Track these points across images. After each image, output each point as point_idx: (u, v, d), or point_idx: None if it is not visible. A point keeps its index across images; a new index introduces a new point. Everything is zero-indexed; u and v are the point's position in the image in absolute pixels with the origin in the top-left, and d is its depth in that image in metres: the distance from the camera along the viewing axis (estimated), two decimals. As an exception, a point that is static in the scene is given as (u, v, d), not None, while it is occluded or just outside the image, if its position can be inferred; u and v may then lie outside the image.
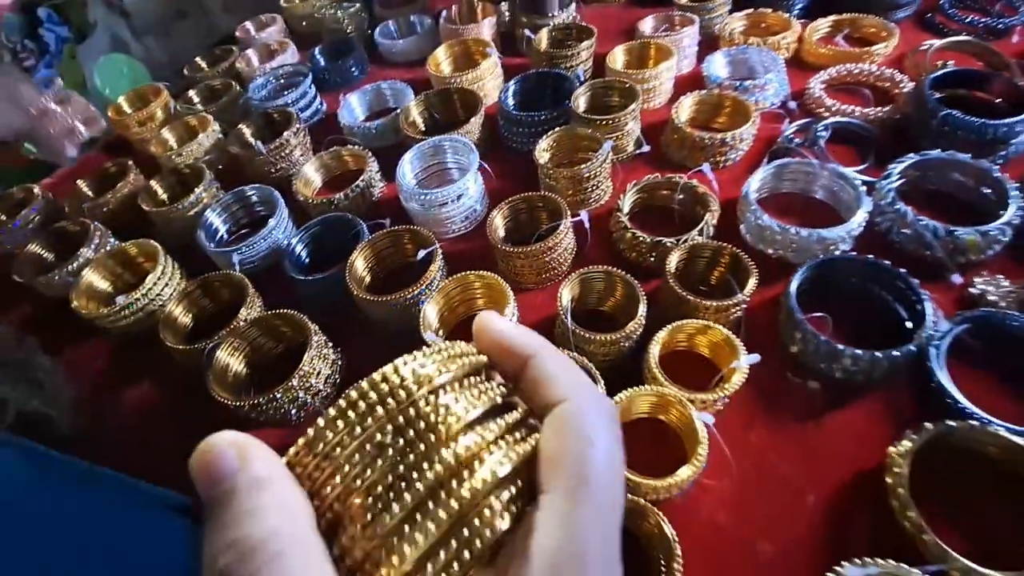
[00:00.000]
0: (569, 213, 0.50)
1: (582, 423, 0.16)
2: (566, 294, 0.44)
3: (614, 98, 0.62)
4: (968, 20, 0.67)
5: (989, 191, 0.47)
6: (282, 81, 0.81)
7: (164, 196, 0.68)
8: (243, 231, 0.66)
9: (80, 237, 0.63)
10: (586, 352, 0.43)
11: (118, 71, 1.34)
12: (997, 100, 0.54)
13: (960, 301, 0.44)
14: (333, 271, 0.53)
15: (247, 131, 0.72)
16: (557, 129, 0.57)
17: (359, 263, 0.52)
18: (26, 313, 0.65)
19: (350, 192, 0.61)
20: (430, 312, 0.46)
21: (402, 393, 0.15)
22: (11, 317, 0.65)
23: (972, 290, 0.43)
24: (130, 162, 0.72)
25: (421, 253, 0.50)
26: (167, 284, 0.58)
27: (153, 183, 0.67)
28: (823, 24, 0.69)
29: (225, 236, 0.65)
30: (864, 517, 0.35)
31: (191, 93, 0.84)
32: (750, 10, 0.72)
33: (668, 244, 0.47)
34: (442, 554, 0.13)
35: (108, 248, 0.63)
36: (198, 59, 0.93)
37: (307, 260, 0.59)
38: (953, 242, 0.44)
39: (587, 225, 0.51)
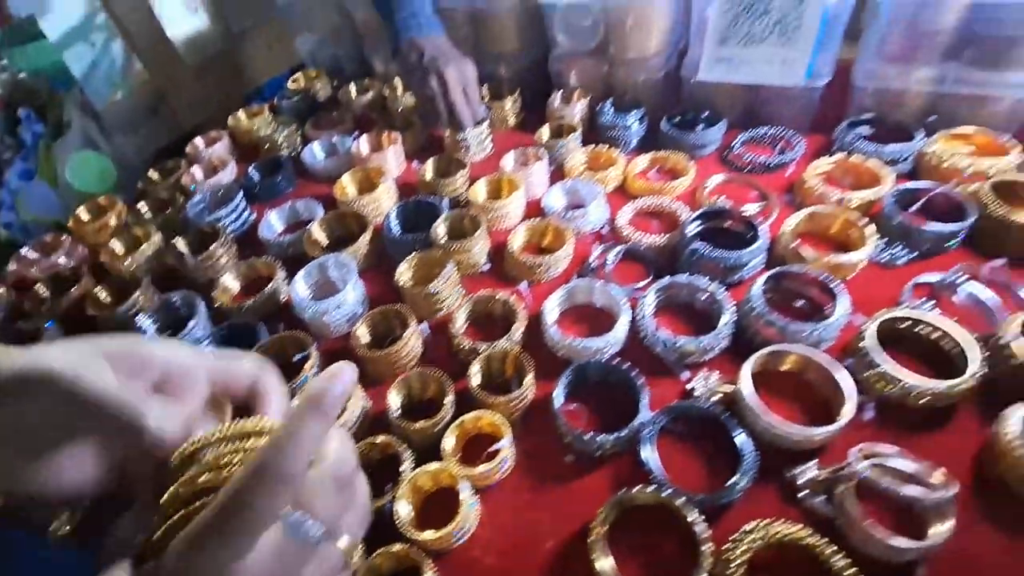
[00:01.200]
0: (415, 322, 0.66)
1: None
2: (393, 394, 0.59)
3: (466, 224, 0.80)
4: (749, 158, 0.88)
5: (716, 307, 0.65)
6: (218, 195, 0.98)
7: (107, 299, 0.83)
8: (169, 331, 0.80)
9: (36, 337, 0.77)
10: (409, 435, 0.58)
11: (88, 166, 1.50)
12: (742, 231, 0.73)
13: (684, 393, 0.60)
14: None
15: (181, 243, 0.88)
16: (414, 254, 0.74)
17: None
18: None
19: (257, 298, 0.77)
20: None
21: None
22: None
23: (688, 385, 0.60)
24: (84, 268, 0.87)
25: (296, 357, 0.65)
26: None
27: (99, 289, 0.82)
28: (643, 160, 0.89)
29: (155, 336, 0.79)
30: (582, 559, 0.50)
31: (140, 205, 1.00)
32: (591, 146, 0.92)
33: (479, 349, 0.63)
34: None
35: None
36: (152, 173, 1.10)
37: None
38: (678, 350, 0.61)
39: (427, 333, 0.67)
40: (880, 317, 0.58)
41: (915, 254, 0.68)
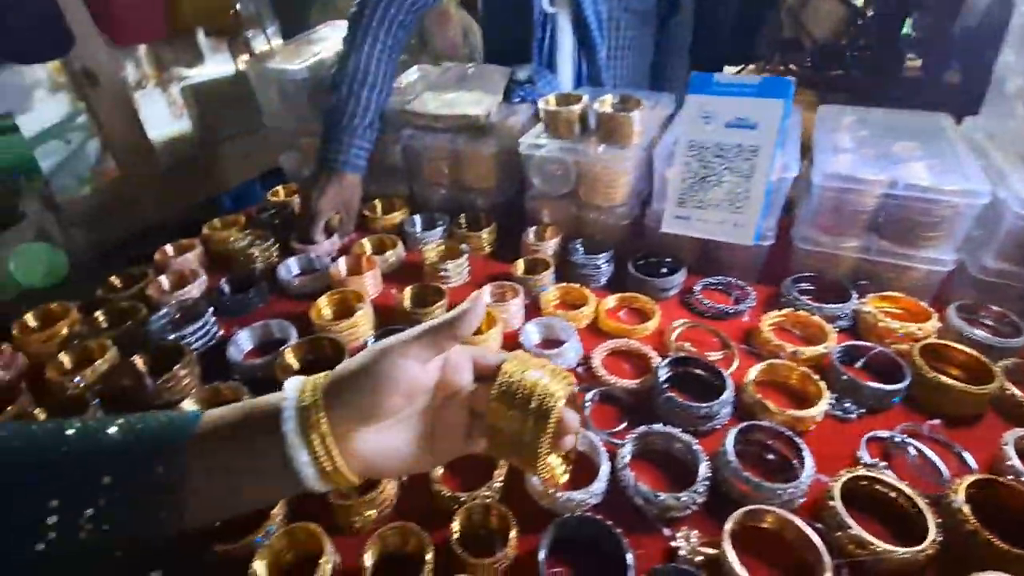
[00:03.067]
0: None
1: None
2: (367, 555, 0.56)
3: None
4: (708, 304, 0.95)
5: (691, 457, 0.67)
6: (186, 309, 0.95)
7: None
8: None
9: None
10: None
11: (36, 259, 1.44)
12: (709, 378, 0.77)
13: (668, 551, 0.60)
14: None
15: (140, 362, 0.83)
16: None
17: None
18: None
19: (221, 430, 0.72)
20: (259, 568, 0.56)
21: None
22: None
23: (672, 543, 0.60)
24: (23, 384, 0.80)
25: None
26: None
27: (37, 411, 0.75)
28: (612, 299, 0.95)
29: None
30: None
31: (97, 314, 0.95)
32: (563, 284, 0.98)
33: (462, 499, 0.62)
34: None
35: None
36: (113, 278, 1.06)
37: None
38: (659, 504, 0.62)
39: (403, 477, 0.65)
40: (843, 477, 0.61)
41: (863, 410, 0.74)
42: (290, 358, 0.83)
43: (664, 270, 1.00)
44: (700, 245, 1.03)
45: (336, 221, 1.15)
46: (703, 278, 1.00)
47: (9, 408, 0.76)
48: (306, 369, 0.85)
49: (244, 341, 0.90)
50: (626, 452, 0.67)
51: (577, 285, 0.98)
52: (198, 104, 1.74)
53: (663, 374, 0.76)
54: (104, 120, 1.45)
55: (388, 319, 0.94)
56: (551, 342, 0.88)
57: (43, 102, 1.36)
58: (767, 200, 0.90)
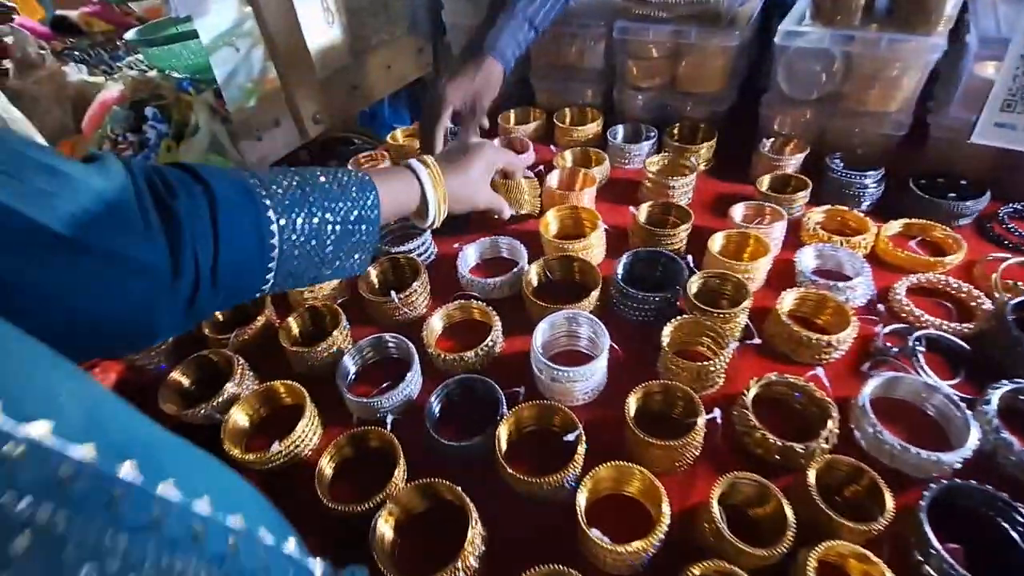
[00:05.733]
0: (703, 409, 0.56)
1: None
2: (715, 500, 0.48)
3: (726, 289, 0.70)
4: (1020, 232, 0.77)
5: (1081, 425, 0.53)
6: (400, 223, 0.90)
7: (297, 332, 0.74)
8: (378, 380, 0.70)
9: (223, 369, 0.69)
10: (730, 556, 0.46)
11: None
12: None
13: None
14: (478, 439, 0.57)
15: (374, 274, 0.79)
16: (681, 318, 0.64)
17: (503, 433, 0.57)
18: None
19: (479, 351, 0.67)
20: (580, 499, 0.50)
21: None
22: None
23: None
24: (267, 298, 0.78)
25: (569, 437, 0.55)
26: (313, 432, 0.62)
27: (291, 320, 0.73)
28: (895, 226, 0.79)
29: (353, 379, 0.70)
30: None
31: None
32: (828, 206, 0.82)
33: (798, 450, 0.53)
34: None
35: (254, 386, 0.68)
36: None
37: (438, 416, 0.64)
38: (1058, 477, 0.49)
39: (719, 421, 0.57)
40: None
41: None
42: (532, 274, 0.75)
43: (952, 193, 0.82)
44: (995, 163, 0.82)
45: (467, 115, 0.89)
46: (1007, 204, 0.81)
47: (259, 317, 0.75)
48: (542, 287, 0.77)
49: (471, 257, 0.83)
50: (990, 411, 0.54)
51: (845, 207, 0.82)
52: (348, 10, 1.65)
53: (1012, 317, 0.61)
54: (269, 22, 1.39)
55: (620, 240, 0.84)
56: (831, 273, 0.75)
57: (217, 7, 1.32)
58: None
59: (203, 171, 0.42)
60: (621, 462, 0.52)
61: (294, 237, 0.46)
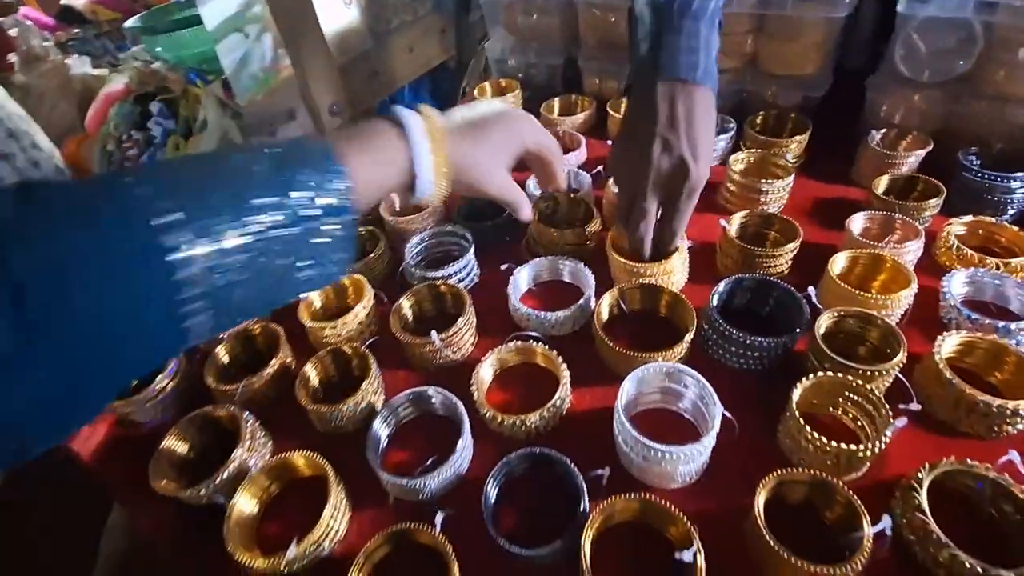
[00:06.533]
0: (867, 518, 0.41)
1: None
2: None
3: (869, 335, 0.54)
4: None
5: None
6: (437, 239, 0.76)
7: (317, 383, 0.61)
8: (416, 444, 0.57)
9: (229, 430, 0.56)
10: None
11: (223, 172, 1.32)
12: None
13: None
14: (553, 545, 0.43)
15: (407, 307, 0.65)
16: (816, 377, 0.49)
17: (588, 538, 0.43)
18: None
19: (545, 413, 0.53)
20: None
21: None
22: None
23: None
24: (280, 330, 0.65)
25: (685, 556, 0.40)
26: (340, 521, 0.49)
27: (308, 368, 0.60)
28: (1064, 244, 0.62)
29: (386, 446, 0.56)
30: None
31: (333, 241, 0.78)
32: (969, 217, 0.66)
33: (1006, 582, 0.38)
34: None
35: (267, 452, 0.55)
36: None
37: (495, 503, 0.50)
38: None
39: (888, 533, 0.42)
40: None
41: None
42: (604, 305, 0.61)
43: None
44: None
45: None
46: None
47: (273, 361, 0.61)
48: (613, 319, 0.62)
49: (523, 280, 0.69)
50: None
51: (991, 219, 0.65)
52: (367, -11, 1.50)
53: None
54: (280, 8, 1.25)
55: (700, 261, 0.68)
56: (988, 308, 0.59)
57: (222, -13, 1.18)
58: None
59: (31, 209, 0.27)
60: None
61: (216, 263, 0.31)
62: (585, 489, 0.46)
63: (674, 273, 0.65)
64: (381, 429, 0.55)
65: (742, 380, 0.56)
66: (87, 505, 0.74)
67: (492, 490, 0.48)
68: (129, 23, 1.41)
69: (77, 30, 1.98)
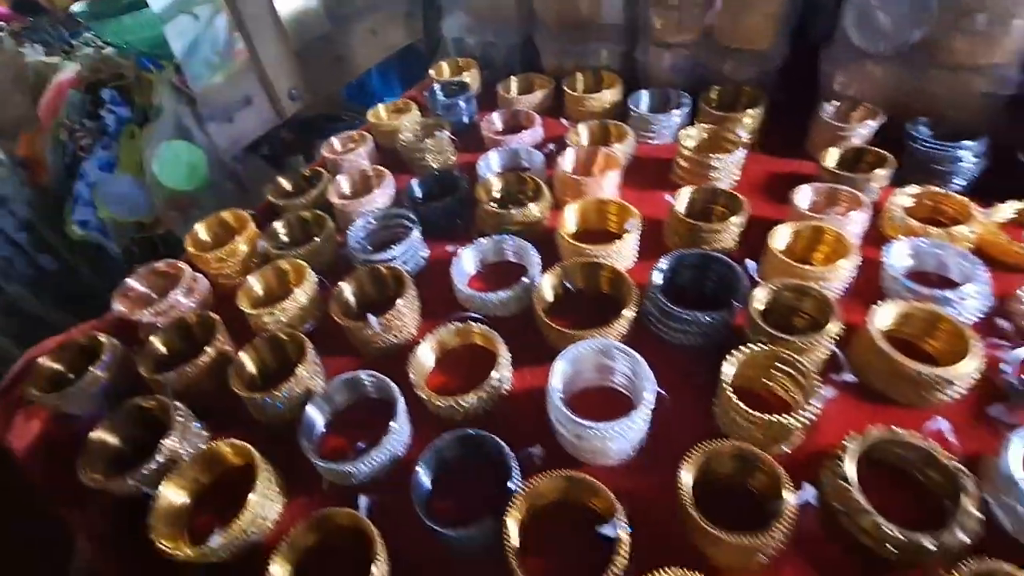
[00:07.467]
0: (790, 486, 0.40)
1: None
2: None
3: (803, 306, 0.54)
4: None
5: None
6: (382, 223, 0.74)
7: (253, 370, 0.59)
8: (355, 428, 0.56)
9: (159, 420, 0.54)
10: None
11: (177, 158, 1.29)
12: None
13: None
14: (480, 525, 0.43)
15: (349, 292, 0.64)
16: (747, 350, 0.48)
17: (514, 518, 0.42)
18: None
19: (482, 393, 0.52)
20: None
21: None
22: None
23: None
24: (217, 319, 0.63)
25: (606, 530, 0.40)
26: (269, 508, 0.48)
27: (243, 355, 0.58)
28: (1006, 211, 0.62)
29: (323, 432, 0.55)
30: None
31: (277, 226, 0.76)
32: (916, 187, 0.65)
33: (929, 548, 0.37)
34: None
35: (200, 442, 0.54)
36: (281, 179, 0.86)
37: (430, 489, 0.49)
38: None
39: (813, 502, 0.41)
40: None
41: None
42: (547, 287, 0.60)
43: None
44: None
45: None
46: None
47: (207, 348, 0.59)
48: (558, 301, 0.61)
49: (469, 262, 0.67)
50: None
51: (937, 188, 0.65)
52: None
53: None
54: (232, -12, 1.21)
55: (648, 237, 0.67)
56: (930, 278, 0.58)
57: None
58: None
59: None
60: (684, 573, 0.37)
61: None
62: (515, 468, 0.46)
63: (623, 251, 0.64)
64: (316, 415, 0.54)
65: (684, 356, 0.56)
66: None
67: (423, 472, 0.47)
68: (76, 7, 1.36)
69: (32, 19, 1.91)
